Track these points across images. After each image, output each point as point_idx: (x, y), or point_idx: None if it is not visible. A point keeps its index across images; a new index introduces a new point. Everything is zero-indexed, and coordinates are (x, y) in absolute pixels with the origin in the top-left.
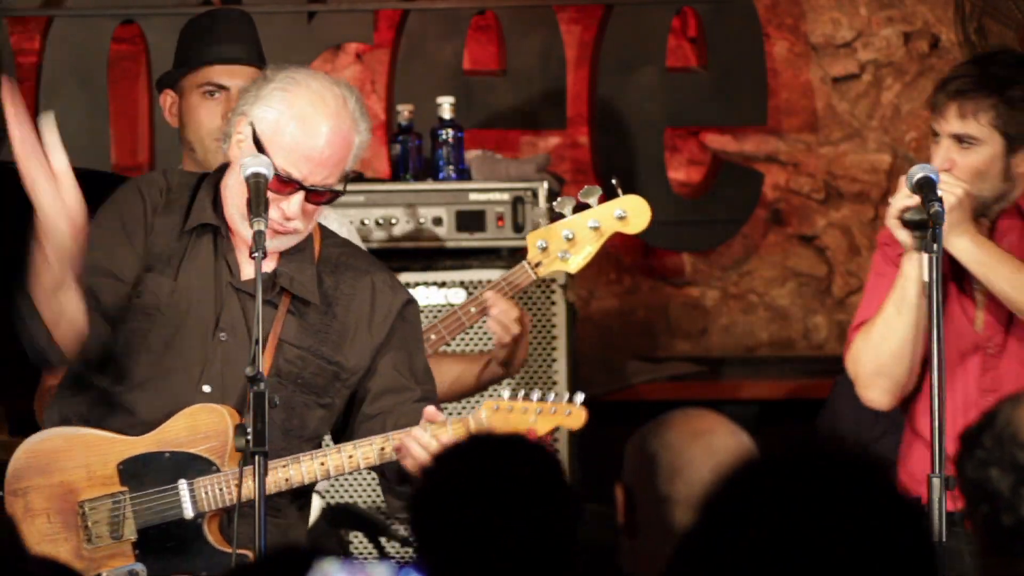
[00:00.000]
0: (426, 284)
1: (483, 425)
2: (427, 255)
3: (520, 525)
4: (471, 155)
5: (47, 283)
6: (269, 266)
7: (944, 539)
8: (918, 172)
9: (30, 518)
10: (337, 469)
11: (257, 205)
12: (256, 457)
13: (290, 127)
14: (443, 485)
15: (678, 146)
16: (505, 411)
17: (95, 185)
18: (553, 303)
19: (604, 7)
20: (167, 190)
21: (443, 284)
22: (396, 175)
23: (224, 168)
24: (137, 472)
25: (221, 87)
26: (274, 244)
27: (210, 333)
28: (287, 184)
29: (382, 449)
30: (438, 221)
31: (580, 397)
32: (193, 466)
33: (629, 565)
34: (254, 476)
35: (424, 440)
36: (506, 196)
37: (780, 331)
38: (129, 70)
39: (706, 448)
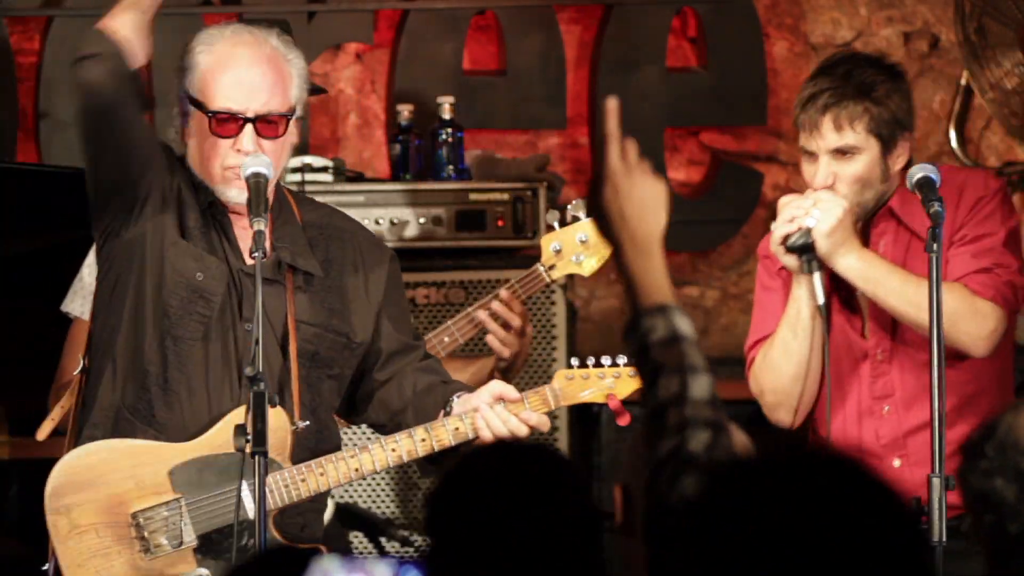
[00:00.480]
0: (426, 284)
1: (559, 396)
2: (427, 255)
3: (538, 536)
4: (471, 155)
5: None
6: (265, 247)
7: (944, 540)
8: (918, 172)
9: (77, 535)
10: (410, 454)
11: (257, 205)
12: (256, 457)
13: (214, 70)
14: (463, 490)
15: (678, 146)
16: (580, 379)
17: None
18: (553, 303)
19: (604, 7)
20: (177, 160)
21: (443, 284)
22: (396, 175)
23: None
24: (191, 477)
25: None
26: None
27: (237, 324)
28: (231, 119)
29: (456, 429)
30: (438, 221)
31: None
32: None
33: (625, 564)
34: (254, 476)
35: (503, 416)
36: (506, 196)
37: None
38: None
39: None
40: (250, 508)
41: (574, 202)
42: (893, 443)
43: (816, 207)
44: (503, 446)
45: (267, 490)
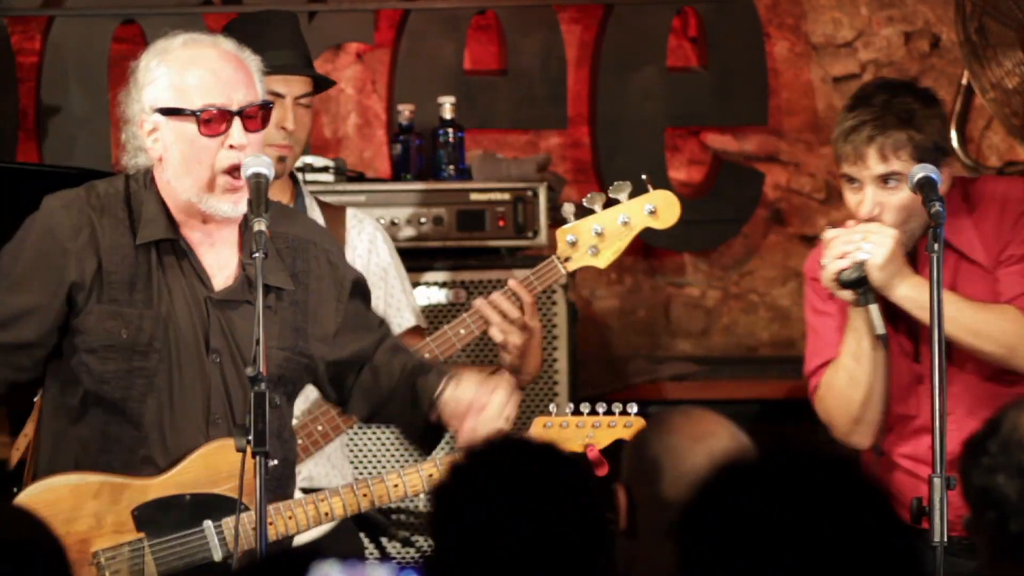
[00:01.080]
0: (427, 284)
1: None
2: (428, 255)
3: (541, 534)
4: (472, 155)
5: None
6: (233, 263)
7: (945, 541)
8: (919, 172)
9: None
10: (381, 500)
11: (257, 205)
12: (257, 458)
13: (185, 74)
14: (468, 484)
15: (679, 146)
16: (559, 427)
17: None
18: (554, 303)
19: (604, 7)
20: (96, 207)
21: (444, 284)
22: (397, 175)
23: (148, 174)
24: (154, 517)
25: (277, 95)
26: (243, 206)
27: (204, 357)
28: (217, 115)
29: (431, 476)
30: (439, 221)
31: (634, 407)
32: (217, 506)
33: (628, 567)
34: (256, 476)
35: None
36: (507, 196)
37: (781, 331)
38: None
39: (708, 452)
40: (215, 549)
41: (590, 195)
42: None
43: (866, 240)
44: (507, 443)
45: (229, 533)
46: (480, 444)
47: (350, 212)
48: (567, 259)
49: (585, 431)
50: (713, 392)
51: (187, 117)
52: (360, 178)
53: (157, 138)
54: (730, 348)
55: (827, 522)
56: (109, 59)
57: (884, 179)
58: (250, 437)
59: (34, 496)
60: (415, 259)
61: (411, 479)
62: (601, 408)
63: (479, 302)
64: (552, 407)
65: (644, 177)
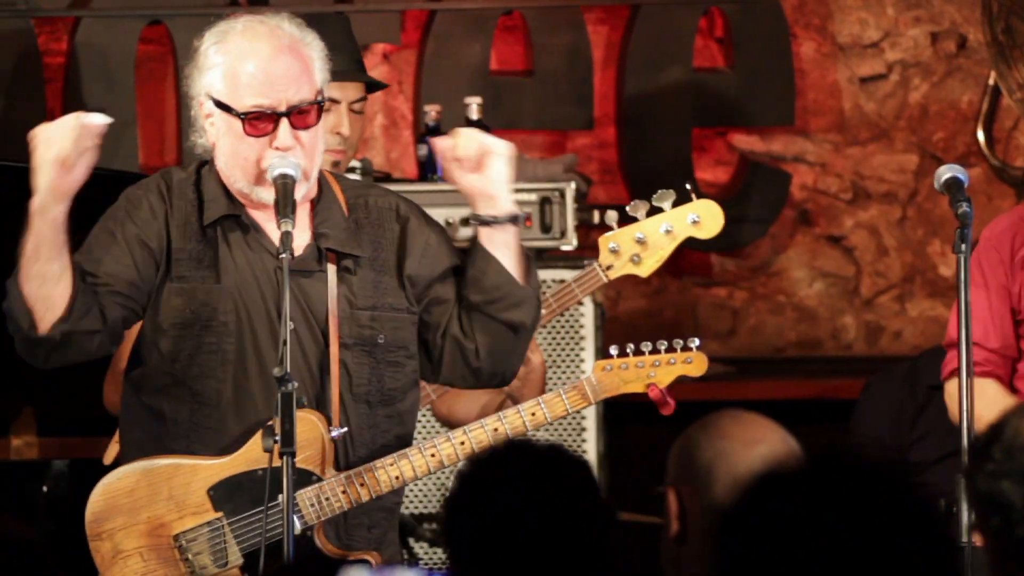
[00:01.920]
0: None
1: (597, 389)
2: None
3: (552, 537)
4: None
5: (28, 250)
6: (305, 236)
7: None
8: (945, 173)
9: (121, 560)
10: (450, 459)
11: (285, 206)
12: (285, 458)
13: (235, 68)
14: (477, 492)
15: (706, 146)
16: (619, 369)
17: (123, 187)
18: (581, 303)
19: (631, 7)
20: (166, 191)
21: None
22: (423, 176)
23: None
24: (230, 495)
25: (332, 100)
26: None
27: (276, 327)
28: (263, 117)
29: (495, 430)
30: (466, 222)
31: (696, 341)
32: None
33: (677, 573)
34: (284, 477)
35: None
36: (534, 197)
37: (808, 331)
38: (156, 71)
39: (762, 457)
40: (296, 523)
41: (633, 203)
42: None
43: None
44: (513, 449)
45: (306, 504)
46: (487, 451)
47: None
48: (609, 267)
49: (646, 371)
50: (740, 393)
51: (235, 115)
52: (387, 179)
53: (212, 123)
54: (757, 349)
55: (873, 531)
56: (136, 60)
57: None
58: (278, 437)
59: (110, 484)
60: None
61: (477, 435)
62: (662, 345)
63: None
64: (612, 349)
65: (688, 186)
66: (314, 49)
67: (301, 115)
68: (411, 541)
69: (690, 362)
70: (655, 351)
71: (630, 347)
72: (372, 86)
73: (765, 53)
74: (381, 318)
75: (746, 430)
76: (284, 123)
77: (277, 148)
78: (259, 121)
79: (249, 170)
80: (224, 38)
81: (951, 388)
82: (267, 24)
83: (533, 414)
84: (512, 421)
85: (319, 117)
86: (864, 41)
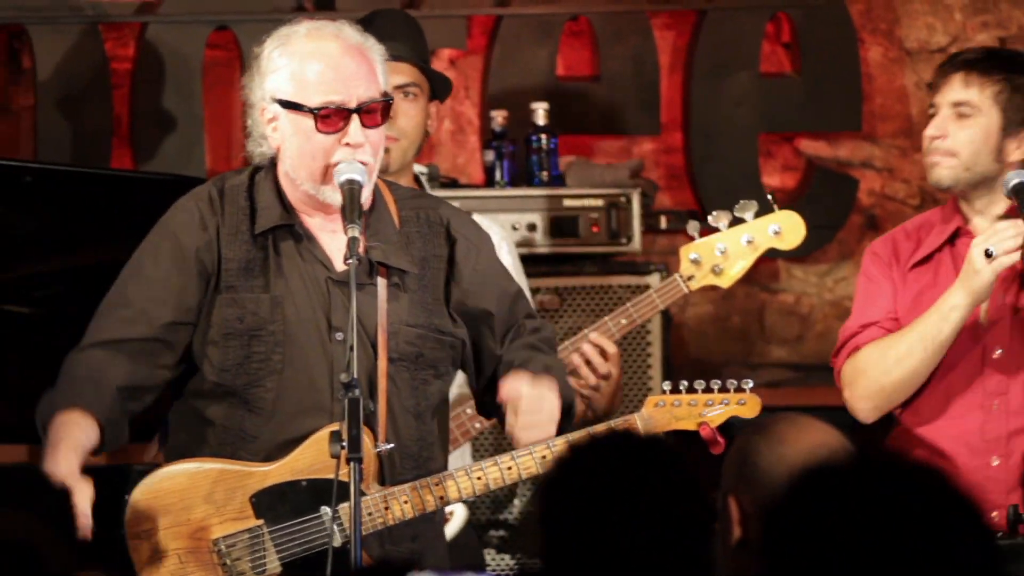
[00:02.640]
0: None
1: (648, 424)
2: (521, 261)
3: (652, 531)
4: (565, 161)
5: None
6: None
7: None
8: (1014, 179)
9: (159, 560)
10: (496, 483)
11: (351, 212)
12: (352, 464)
13: (305, 67)
14: (575, 481)
15: (772, 152)
16: (671, 406)
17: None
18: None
19: (698, 12)
20: (218, 198)
21: (537, 291)
22: (490, 181)
23: (271, 163)
24: (272, 503)
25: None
26: (363, 195)
27: (326, 337)
28: (335, 113)
29: (543, 458)
30: (532, 227)
31: (750, 383)
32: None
33: None
34: (351, 482)
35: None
36: (600, 202)
37: None
38: (223, 76)
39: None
40: (334, 535)
41: (715, 213)
42: (995, 441)
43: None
44: (613, 437)
45: (348, 519)
46: (586, 438)
47: (475, 219)
48: (690, 277)
49: (698, 409)
50: (808, 399)
51: (305, 113)
52: (453, 184)
53: (276, 127)
54: (825, 354)
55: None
56: (203, 65)
57: (958, 106)
58: (344, 443)
59: (153, 485)
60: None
61: (524, 461)
62: (715, 385)
63: (576, 359)
64: (665, 385)
65: (770, 196)
66: (375, 53)
67: (370, 113)
68: (480, 548)
69: (743, 404)
70: (708, 390)
71: (683, 384)
72: (436, 84)
73: (832, 58)
74: (426, 337)
75: (804, 435)
76: (355, 119)
77: (348, 145)
78: (331, 118)
79: (316, 169)
80: (287, 41)
81: (856, 362)
82: (330, 28)
83: (544, 456)
84: (560, 450)
85: (385, 117)
86: (931, 46)
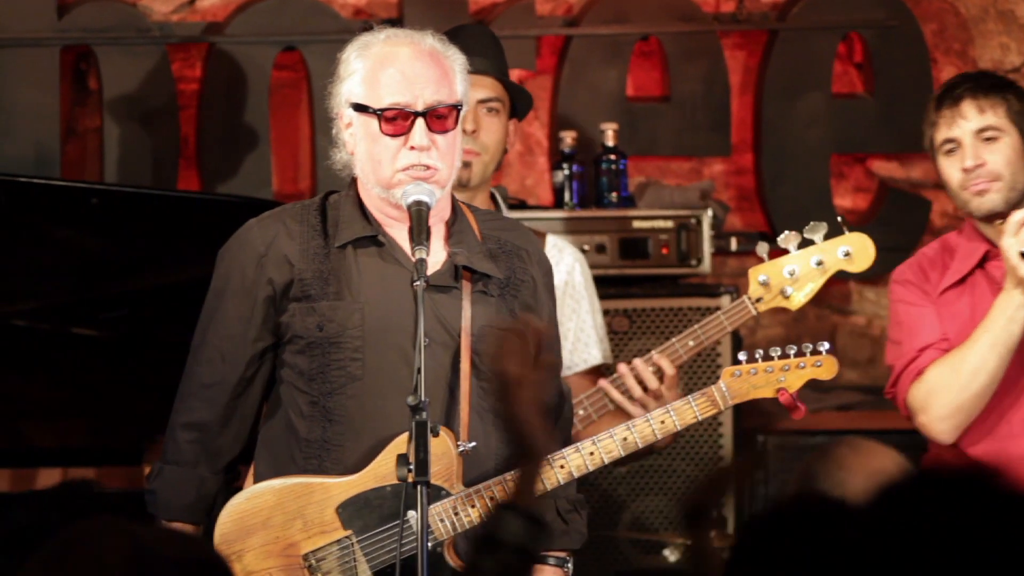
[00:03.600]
0: None
1: (727, 395)
2: None
3: None
4: (635, 182)
5: None
6: (441, 253)
7: None
8: None
9: None
10: (579, 470)
11: (419, 233)
12: (419, 487)
13: (375, 69)
14: (764, 561)
15: (844, 173)
16: (748, 375)
17: (257, 214)
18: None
19: (769, 32)
20: (290, 218)
21: (606, 313)
22: (559, 202)
23: (352, 181)
24: (359, 512)
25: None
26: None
27: (411, 343)
28: (400, 114)
29: (624, 440)
30: (601, 249)
31: (825, 345)
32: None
33: None
34: (418, 507)
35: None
36: (670, 223)
37: None
38: (290, 97)
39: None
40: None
41: (784, 234)
42: None
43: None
44: (817, 501)
45: (436, 520)
46: (765, 512)
47: (551, 239)
48: (758, 299)
49: (775, 375)
50: (879, 422)
51: (372, 115)
52: (522, 205)
53: (352, 132)
54: None
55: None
56: (270, 86)
57: (982, 132)
58: (411, 466)
59: (239, 505)
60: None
61: (606, 445)
62: (791, 350)
63: (622, 368)
64: (740, 355)
65: (840, 219)
66: (455, 62)
67: (439, 118)
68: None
69: (819, 365)
70: (784, 355)
71: (759, 352)
72: (518, 100)
73: (905, 78)
74: None
75: (865, 460)
76: (420, 122)
77: (412, 148)
78: (395, 119)
79: (384, 173)
80: (366, 46)
81: (923, 386)
82: (409, 35)
83: (662, 422)
84: (641, 430)
85: (457, 122)
86: (1005, 66)
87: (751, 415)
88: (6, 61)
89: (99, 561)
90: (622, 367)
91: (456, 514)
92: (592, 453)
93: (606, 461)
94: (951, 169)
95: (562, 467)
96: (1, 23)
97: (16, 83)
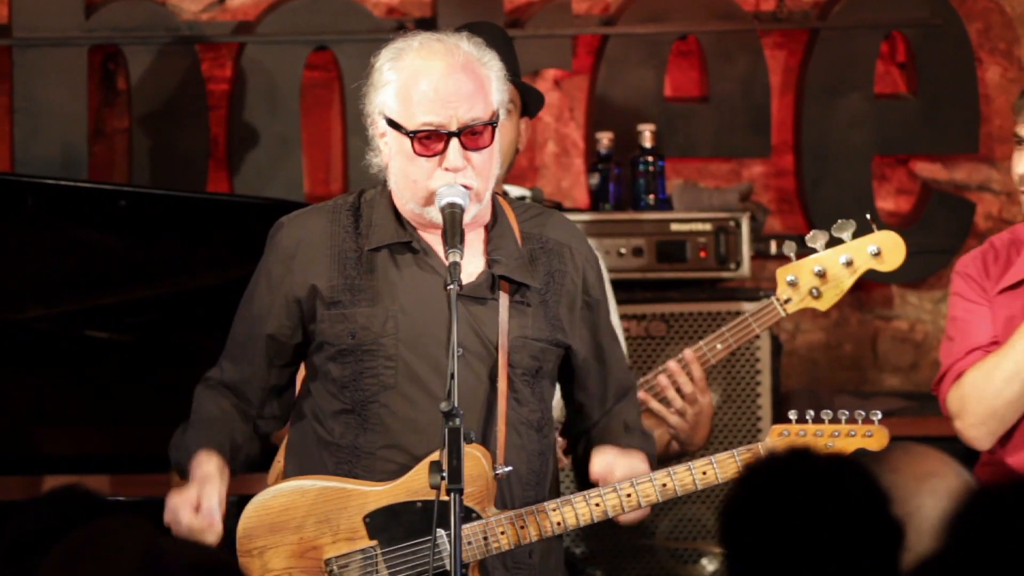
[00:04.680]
0: (626, 317)
1: None
2: (627, 287)
3: (839, 549)
4: (672, 184)
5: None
6: (479, 263)
7: None
8: None
9: None
10: (615, 510)
11: (452, 236)
12: (452, 495)
13: (407, 85)
14: (759, 497)
15: (887, 175)
16: (796, 436)
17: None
18: (756, 336)
19: (810, 31)
20: (323, 218)
21: (643, 317)
22: (595, 205)
23: (385, 181)
24: (386, 524)
25: None
26: (465, 217)
27: (445, 351)
28: (433, 135)
29: (664, 486)
30: (638, 252)
31: (878, 415)
32: (450, 514)
33: None
34: (451, 514)
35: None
36: (708, 226)
37: None
38: (322, 97)
39: (933, 493)
40: (449, 559)
41: (811, 233)
42: None
43: None
44: (799, 453)
45: (465, 543)
46: (767, 456)
47: None
48: (787, 300)
49: (824, 440)
50: (923, 429)
51: (405, 134)
52: (557, 208)
53: (386, 142)
54: None
55: None
56: (301, 86)
57: None
58: (444, 473)
59: (264, 501)
60: (613, 291)
61: (644, 488)
62: (843, 415)
63: (663, 380)
64: (791, 414)
65: (868, 216)
66: (492, 69)
67: (473, 135)
68: None
69: (870, 435)
70: (835, 420)
71: (810, 414)
72: (528, 99)
73: (949, 78)
74: (548, 351)
75: (917, 464)
76: (455, 143)
77: (447, 169)
78: (429, 140)
79: (419, 192)
80: (400, 55)
81: (960, 389)
82: (444, 42)
83: (704, 473)
84: (682, 478)
85: (493, 138)
86: None
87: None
88: (33, 61)
89: (113, 561)
90: (662, 379)
91: (485, 539)
92: (629, 495)
93: (642, 505)
94: (1016, 164)
95: (597, 505)
96: (28, 22)
97: (43, 83)
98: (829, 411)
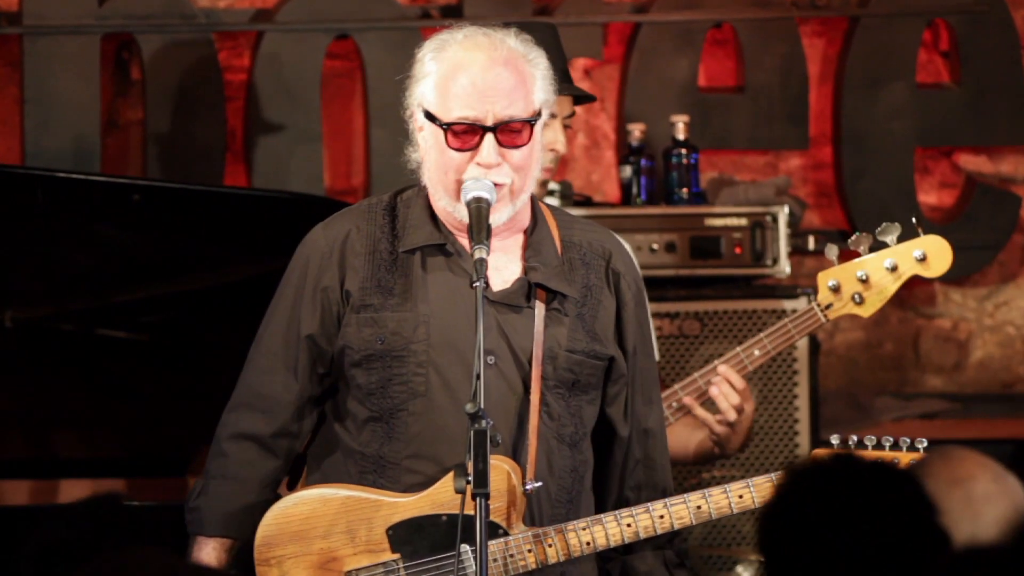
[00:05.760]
0: (659, 315)
1: None
2: (660, 284)
3: (881, 558)
4: (707, 177)
5: None
6: (516, 269)
7: None
8: None
9: None
10: (647, 531)
11: (479, 231)
12: (478, 500)
13: (446, 77)
14: (800, 504)
15: (929, 167)
16: None
17: (308, 212)
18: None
19: (850, 19)
20: (358, 219)
21: (676, 315)
22: (626, 199)
23: (422, 183)
24: (410, 538)
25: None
26: (497, 216)
27: (476, 358)
28: (468, 129)
29: (699, 508)
30: (671, 247)
31: (923, 443)
32: (475, 529)
33: None
34: (476, 519)
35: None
36: (744, 221)
37: None
38: (344, 87)
39: (964, 498)
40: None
41: (854, 236)
42: None
43: None
44: (840, 459)
45: (490, 560)
46: (807, 462)
47: None
48: (828, 306)
49: None
50: (966, 431)
51: (440, 127)
52: (587, 202)
53: (424, 137)
54: (984, 384)
55: None
56: (322, 76)
57: None
58: (470, 477)
59: (284, 509)
60: (646, 288)
61: (677, 510)
62: (887, 442)
63: (714, 391)
64: (833, 438)
65: (914, 220)
66: (537, 67)
67: (510, 133)
68: None
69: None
70: (879, 446)
71: (852, 439)
72: (578, 99)
73: (994, 68)
74: (584, 364)
75: (953, 468)
76: (489, 138)
77: (479, 164)
78: (464, 134)
79: (450, 186)
80: (443, 46)
81: None
82: (490, 36)
83: (740, 496)
84: (717, 501)
85: (531, 136)
86: None
87: (828, 425)
88: (44, 50)
89: None
90: (713, 391)
91: (510, 555)
92: (662, 516)
93: (675, 527)
94: None
95: (629, 526)
96: (39, 10)
97: (55, 73)
98: (873, 436)
